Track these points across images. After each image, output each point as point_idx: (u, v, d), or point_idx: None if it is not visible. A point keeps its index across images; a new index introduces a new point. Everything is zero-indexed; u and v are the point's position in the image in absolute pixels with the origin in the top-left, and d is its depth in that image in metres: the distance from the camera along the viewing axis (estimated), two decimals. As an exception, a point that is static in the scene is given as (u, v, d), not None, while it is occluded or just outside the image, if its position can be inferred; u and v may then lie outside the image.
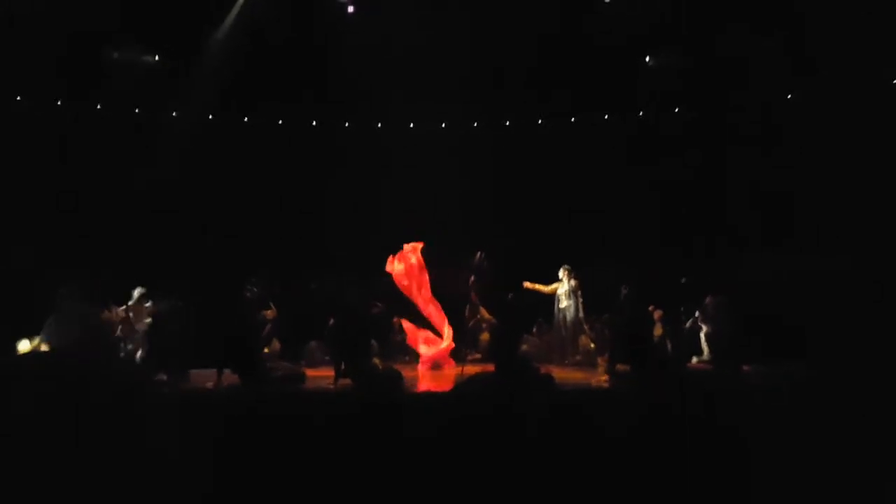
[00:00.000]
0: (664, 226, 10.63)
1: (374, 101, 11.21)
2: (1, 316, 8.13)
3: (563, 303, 9.92)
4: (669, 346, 8.69)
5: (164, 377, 7.41)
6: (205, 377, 7.73)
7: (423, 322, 9.74)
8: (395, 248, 9.98)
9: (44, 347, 7.77)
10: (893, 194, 8.94)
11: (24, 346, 7.75)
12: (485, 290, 10.07)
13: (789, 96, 10.31)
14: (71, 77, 10.06)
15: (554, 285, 10.00)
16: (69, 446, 3.16)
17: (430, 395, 6.78)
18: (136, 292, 8.62)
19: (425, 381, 8.52)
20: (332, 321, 8.36)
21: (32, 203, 9.82)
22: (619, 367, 7.91)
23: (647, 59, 10.75)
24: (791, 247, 9.48)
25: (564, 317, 9.89)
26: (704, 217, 10.48)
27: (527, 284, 9.85)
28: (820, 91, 9.72)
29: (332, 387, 7.68)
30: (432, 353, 9.50)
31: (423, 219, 10.85)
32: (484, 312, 10.22)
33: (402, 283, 9.60)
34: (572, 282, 9.86)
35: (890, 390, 4.18)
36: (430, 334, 9.69)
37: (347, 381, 7.53)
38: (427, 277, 9.61)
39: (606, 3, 9.97)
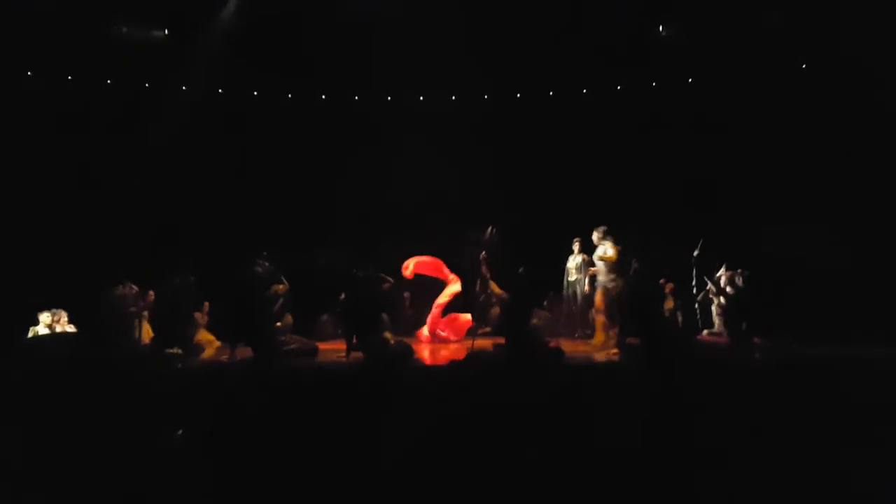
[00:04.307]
0: (675, 199, 10.49)
1: (379, 74, 11.09)
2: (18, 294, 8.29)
3: (573, 276, 9.88)
4: (680, 318, 8.66)
5: (177, 351, 7.52)
6: (218, 351, 7.82)
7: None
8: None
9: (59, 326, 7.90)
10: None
11: (44, 319, 7.90)
12: (495, 264, 10.06)
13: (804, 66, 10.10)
14: (78, 53, 10.03)
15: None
16: (85, 419, 3.22)
17: (440, 368, 6.82)
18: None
19: (435, 353, 8.57)
20: (343, 296, 8.41)
21: (37, 184, 9.87)
22: (630, 340, 7.92)
23: (660, 28, 10.53)
24: (805, 224, 9.34)
25: (575, 291, 9.87)
26: (716, 191, 10.32)
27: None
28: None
29: (344, 360, 7.75)
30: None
31: (432, 194, 10.80)
32: (494, 287, 10.22)
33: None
34: (583, 256, 9.82)
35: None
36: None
37: (359, 354, 7.60)
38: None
39: None
